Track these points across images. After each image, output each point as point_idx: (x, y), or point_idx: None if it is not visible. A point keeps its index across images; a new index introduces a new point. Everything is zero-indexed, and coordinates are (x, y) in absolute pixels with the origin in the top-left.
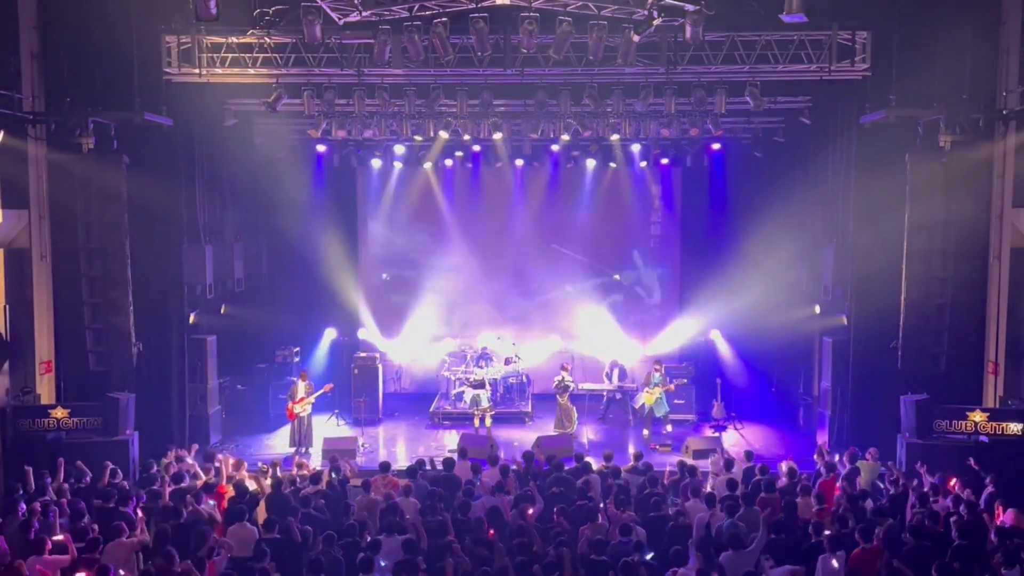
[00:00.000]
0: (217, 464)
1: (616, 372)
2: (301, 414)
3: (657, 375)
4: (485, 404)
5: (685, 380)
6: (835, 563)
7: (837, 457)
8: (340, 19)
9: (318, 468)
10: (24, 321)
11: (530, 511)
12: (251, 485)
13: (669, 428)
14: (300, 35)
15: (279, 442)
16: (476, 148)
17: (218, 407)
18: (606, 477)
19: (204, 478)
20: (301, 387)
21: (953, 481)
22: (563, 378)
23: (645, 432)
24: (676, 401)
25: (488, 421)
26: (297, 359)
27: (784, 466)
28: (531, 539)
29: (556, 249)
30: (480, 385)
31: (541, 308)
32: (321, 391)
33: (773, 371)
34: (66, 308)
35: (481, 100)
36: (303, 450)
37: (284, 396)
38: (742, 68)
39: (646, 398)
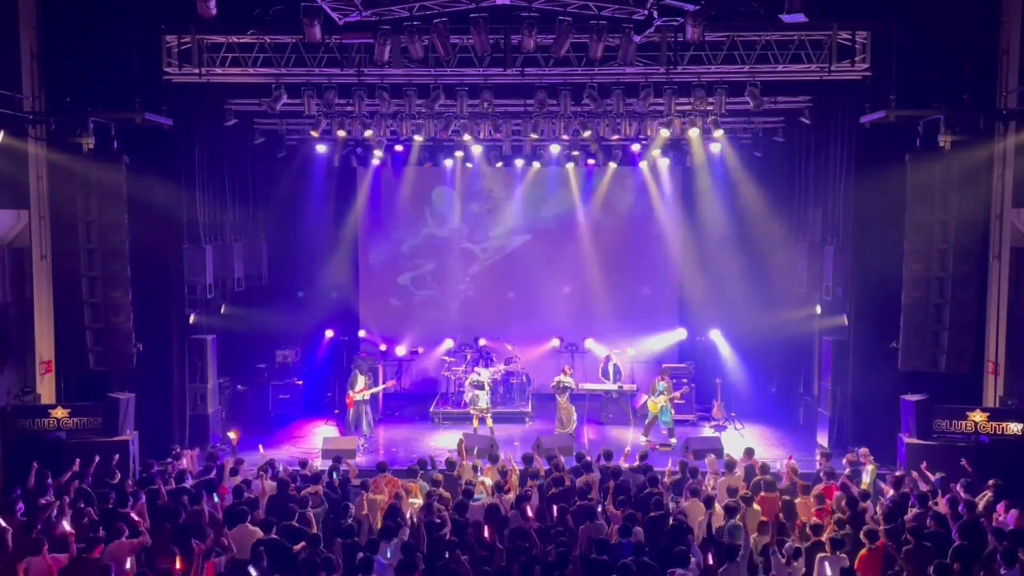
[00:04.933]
0: (221, 463)
1: (612, 368)
2: (360, 401)
3: (662, 384)
4: (483, 405)
5: (685, 380)
6: (828, 571)
7: (845, 464)
8: (340, 19)
9: (318, 468)
10: (24, 321)
11: (530, 511)
12: (254, 486)
13: (673, 441)
14: (300, 35)
15: (279, 442)
16: (476, 148)
17: (218, 407)
18: (606, 477)
19: (205, 477)
20: (361, 378)
21: (957, 485)
22: (561, 379)
23: (642, 439)
24: (677, 401)
25: (489, 421)
26: (297, 359)
27: (785, 465)
28: (531, 541)
29: (555, 249)
30: (479, 386)
31: (541, 308)
32: (384, 386)
33: (773, 371)
34: (66, 308)
35: (481, 100)
36: (360, 440)
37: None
38: (742, 68)
39: (651, 407)
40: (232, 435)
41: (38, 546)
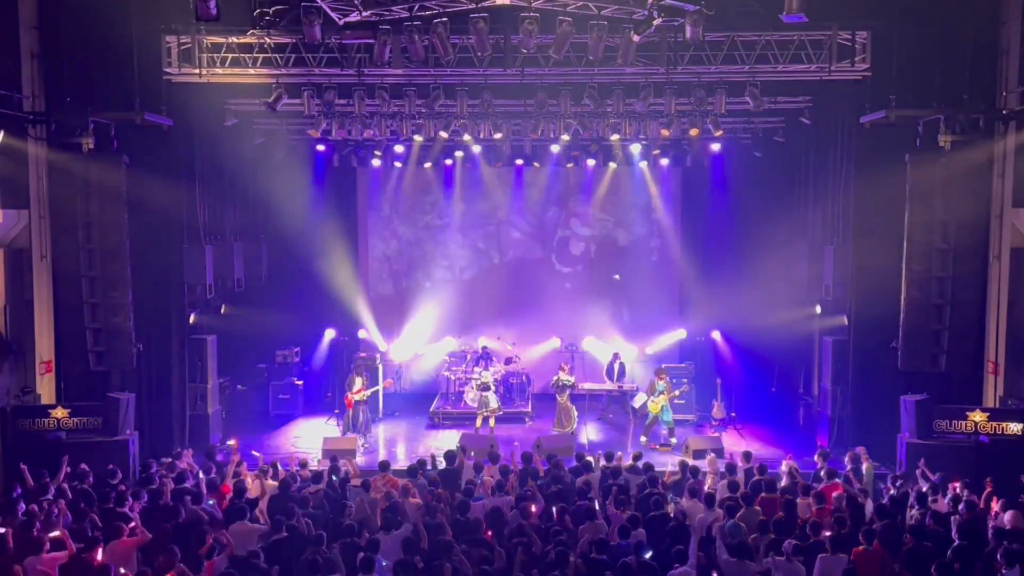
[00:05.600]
0: (221, 460)
1: (617, 367)
2: (359, 402)
3: (661, 383)
4: (494, 405)
5: (686, 380)
6: (829, 571)
7: (846, 462)
8: (340, 19)
9: (318, 467)
10: (24, 321)
11: (532, 511)
12: (254, 486)
13: (674, 440)
14: (300, 35)
15: (280, 442)
16: (476, 148)
17: (218, 407)
18: (606, 477)
19: (205, 476)
20: (358, 380)
21: (957, 484)
22: (559, 378)
23: (643, 439)
24: (676, 401)
25: (492, 421)
26: (297, 359)
27: (784, 465)
28: (530, 540)
29: (555, 249)
30: (486, 387)
31: (541, 308)
32: (381, 386)
33: (773, 371)
34: (66, 308)
35: (481, 100)
36: (360, 440)
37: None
38: (742, 68)
39: (651, 407)
40: (232, 443)
41: (39, 545)
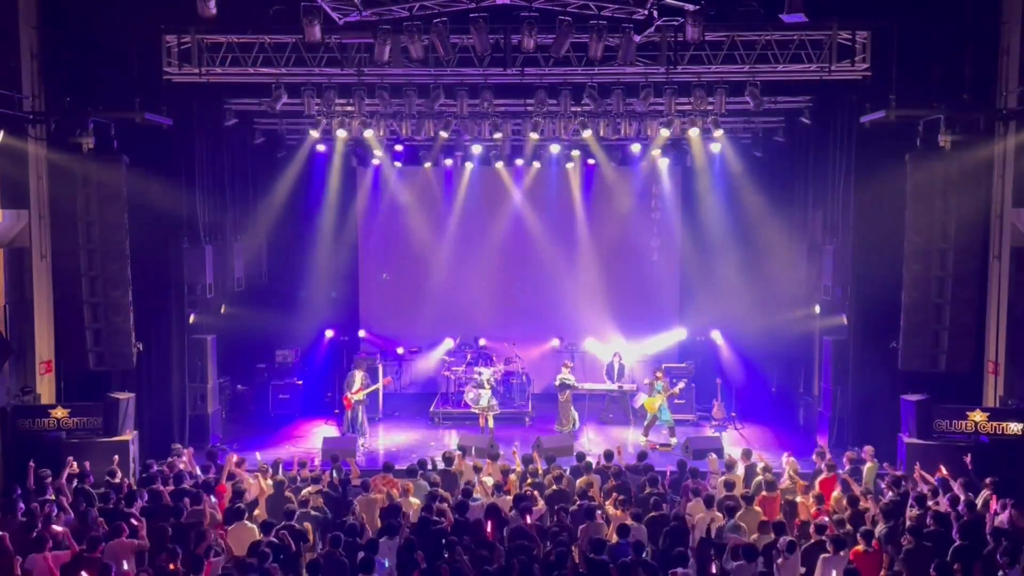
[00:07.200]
0: (220, 463)
1: (617, 367)
2: (358, 402)
3: (659, 383)
4: (483, 403)
5: (685, 380)
6: (832, 572)
7: (845, 462)
8: (340, 19)
9: (318, 468)
10: (24, 321)
11: (531, 511)
12: (252, 487)
13: (674, 440)
14: (300, 35)
15: (279, 442)
16: (476, 148)
17: (218, 407)
18: (606, 477)
19: (204, 477)
20: (358, 378)
21: (957, 484)
22: (563, 377)
23: (643, 439)
24: (676, 401)
25: (490, 421)
26: (296, 359)
27: (784, 462)
28: (531, 541)
29: (555, 249)
30: (481, 385)
31: (541, 308)
32: (378, 384)
33: (773, 371)
34: (66, 308)
35: (481, 100)
36: (360, 440)
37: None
38: (742, 68)
39: (648, 407)
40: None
41: (41, 544)
